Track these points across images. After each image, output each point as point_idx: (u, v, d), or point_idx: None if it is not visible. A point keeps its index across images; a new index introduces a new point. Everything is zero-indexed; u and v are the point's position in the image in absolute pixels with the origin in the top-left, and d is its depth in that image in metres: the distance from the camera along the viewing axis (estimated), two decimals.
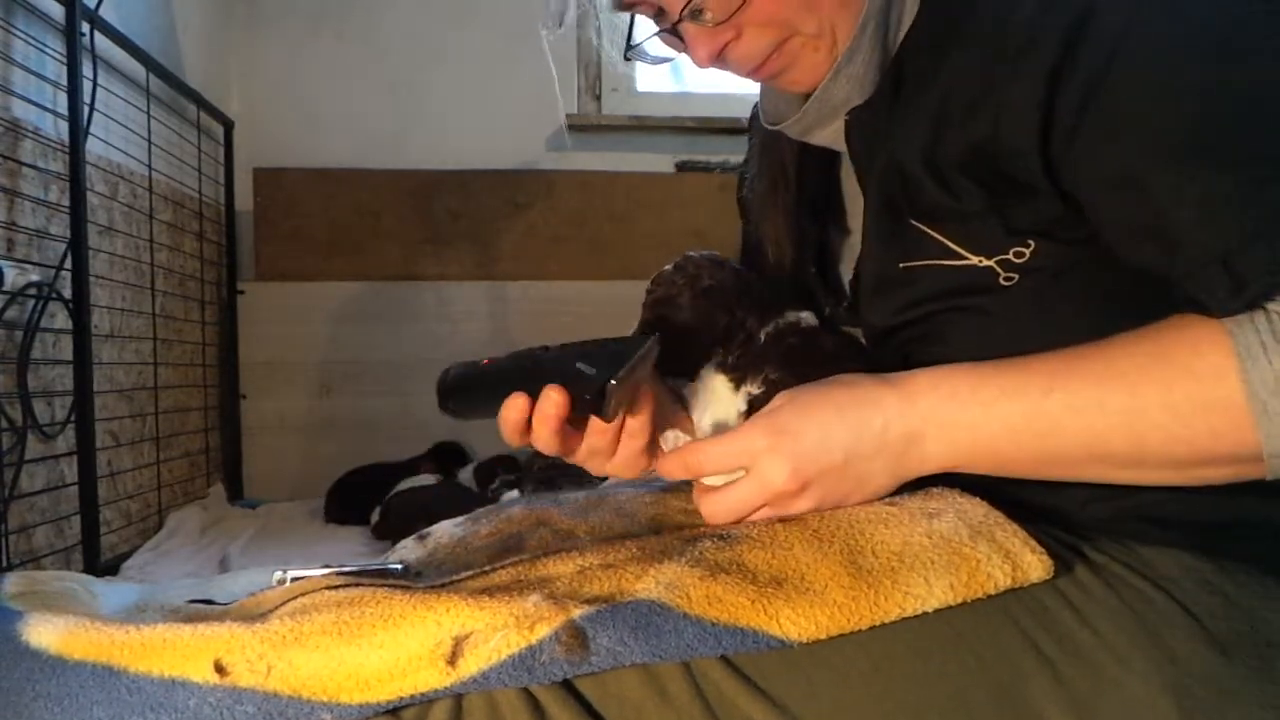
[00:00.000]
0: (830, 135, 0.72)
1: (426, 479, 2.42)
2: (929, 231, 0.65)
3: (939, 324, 0.67)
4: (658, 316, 0.67)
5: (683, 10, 0.64)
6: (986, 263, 0.63)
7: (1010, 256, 0.63)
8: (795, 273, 0.81)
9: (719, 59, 0.67)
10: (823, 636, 0.53)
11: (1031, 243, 0.62)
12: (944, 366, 0.62)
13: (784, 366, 0.68)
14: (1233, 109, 0.53)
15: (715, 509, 0.63)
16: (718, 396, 0.70)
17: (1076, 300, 0.62)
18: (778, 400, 0.64)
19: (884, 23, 0.66)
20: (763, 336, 0.68)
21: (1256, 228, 0.52)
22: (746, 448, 0.61)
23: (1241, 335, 0.52)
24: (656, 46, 0.72)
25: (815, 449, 0.60)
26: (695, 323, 0.67)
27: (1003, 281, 0.63)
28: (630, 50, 0.71)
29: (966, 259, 0.64)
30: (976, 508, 0.60)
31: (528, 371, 0.60)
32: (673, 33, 0.67)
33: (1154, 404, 0.54)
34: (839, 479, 0.61)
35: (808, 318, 0.73)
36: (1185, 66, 0.54)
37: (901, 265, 0.67)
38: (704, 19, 0.64)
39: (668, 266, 0.70)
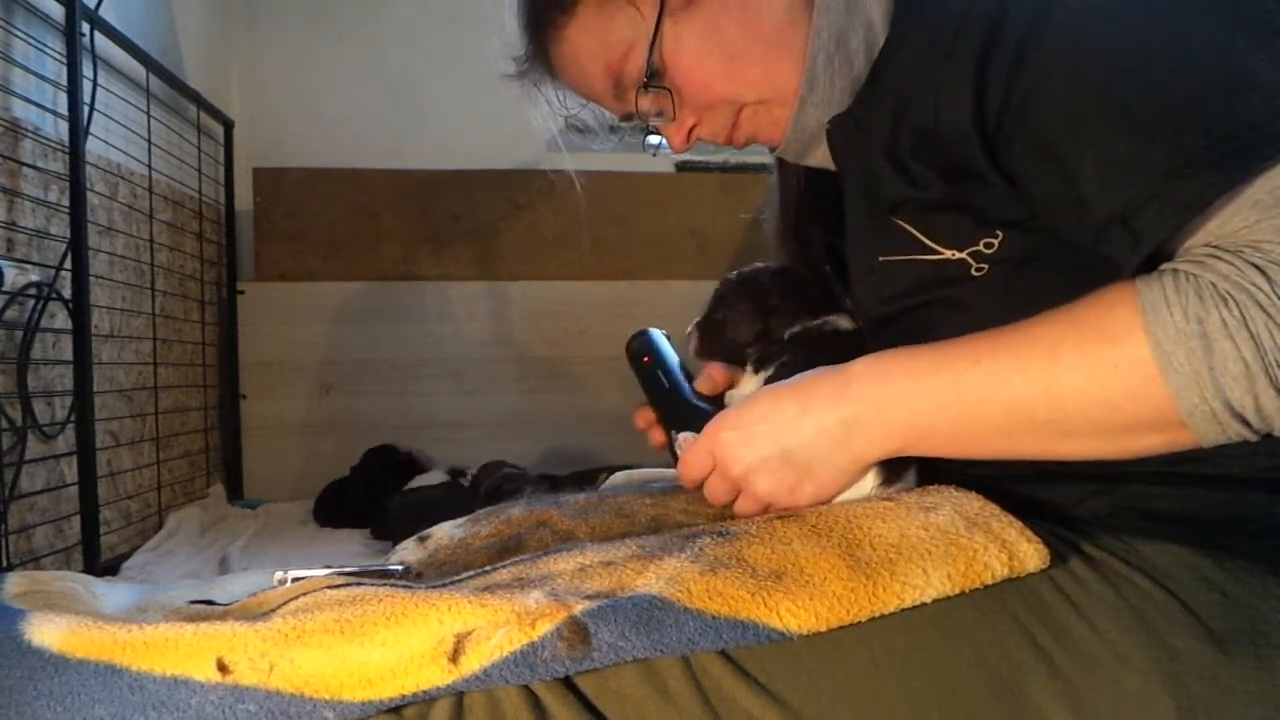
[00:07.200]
0: (821, 156, 0.77)
1: (431, 479, 2.41)
2: (905, 227, 0.67)
3: (921, 318, 0.69)
4: (713, 319, 0.86)
5: (645, 116, 0.77)
6: (959, 255, 0.65)
7: (980, 248, 0.65)
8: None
9: (692, 140, 0.79)
10: (822, 628, 0.53)
11: (999, 233, 0.64)
12: (883, 352, 0.64)
13: (796, 357, 0.78)
14: (1133, 73, 0.54)
15: (681, 466, 0.72)
16: (746, 378, 0.84)
17: (1045, 287, 0.63)
18: None
19: (844, 49, 0.69)
20: (786, 335, 0.81)
21: (1151, 186, 0.53)
22: (709, 430, 0.69)
23: (1148, 291, 0.53)
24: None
25: (751, 428, 0.66)
26: (735, 325, 0.84)
27: (974, 273, 0.65)
28: (651, 150, 0.85)
29: (940, 253, 0.66)
30: (972, 501, 0.60)
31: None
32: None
33: (1070, 367, 0.55)
34: (781, 464, 0.65)
35: (839, 321, 0.81)
36: (1094, 35, 0.56)
37: (881, 258, 0.70)
38: (662, 119, 0.77)
39: (732, 276, 0.87)
